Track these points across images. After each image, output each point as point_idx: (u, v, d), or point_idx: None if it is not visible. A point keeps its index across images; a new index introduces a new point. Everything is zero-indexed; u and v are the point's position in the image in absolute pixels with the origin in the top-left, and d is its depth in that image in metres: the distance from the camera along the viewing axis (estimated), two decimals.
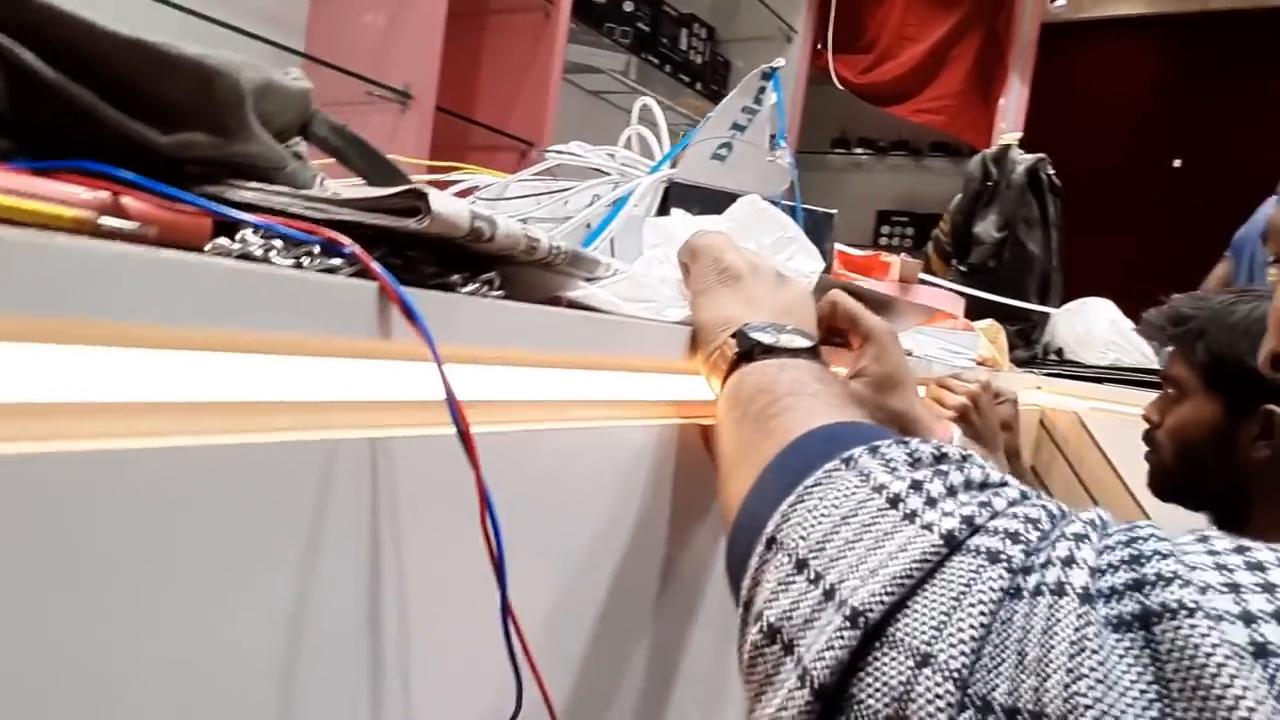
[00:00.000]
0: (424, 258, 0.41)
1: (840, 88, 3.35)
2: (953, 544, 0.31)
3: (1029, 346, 1.90)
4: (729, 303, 0.53)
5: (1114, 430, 1.69)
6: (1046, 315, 1.91)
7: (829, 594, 0.31)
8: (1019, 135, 1.93)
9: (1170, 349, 1.06)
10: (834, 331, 0.66)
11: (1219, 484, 0.97)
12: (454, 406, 0.34)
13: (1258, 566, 0.26)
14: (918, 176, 3.66)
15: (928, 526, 0.31)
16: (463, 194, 0.84)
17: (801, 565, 0.33)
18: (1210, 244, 2.46)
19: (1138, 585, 0.27)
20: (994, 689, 0.27)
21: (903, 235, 3.59)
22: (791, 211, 0.86)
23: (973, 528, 0.31)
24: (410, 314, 0.34)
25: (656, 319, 0.56)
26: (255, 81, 0.39)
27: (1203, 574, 0.26)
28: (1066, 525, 0.31)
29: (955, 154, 3.49)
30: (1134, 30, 3.23)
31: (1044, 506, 0.33)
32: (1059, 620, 0.27)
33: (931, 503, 0.32)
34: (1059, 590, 0.28)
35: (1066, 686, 0.25)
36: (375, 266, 0.34)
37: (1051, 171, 1.91)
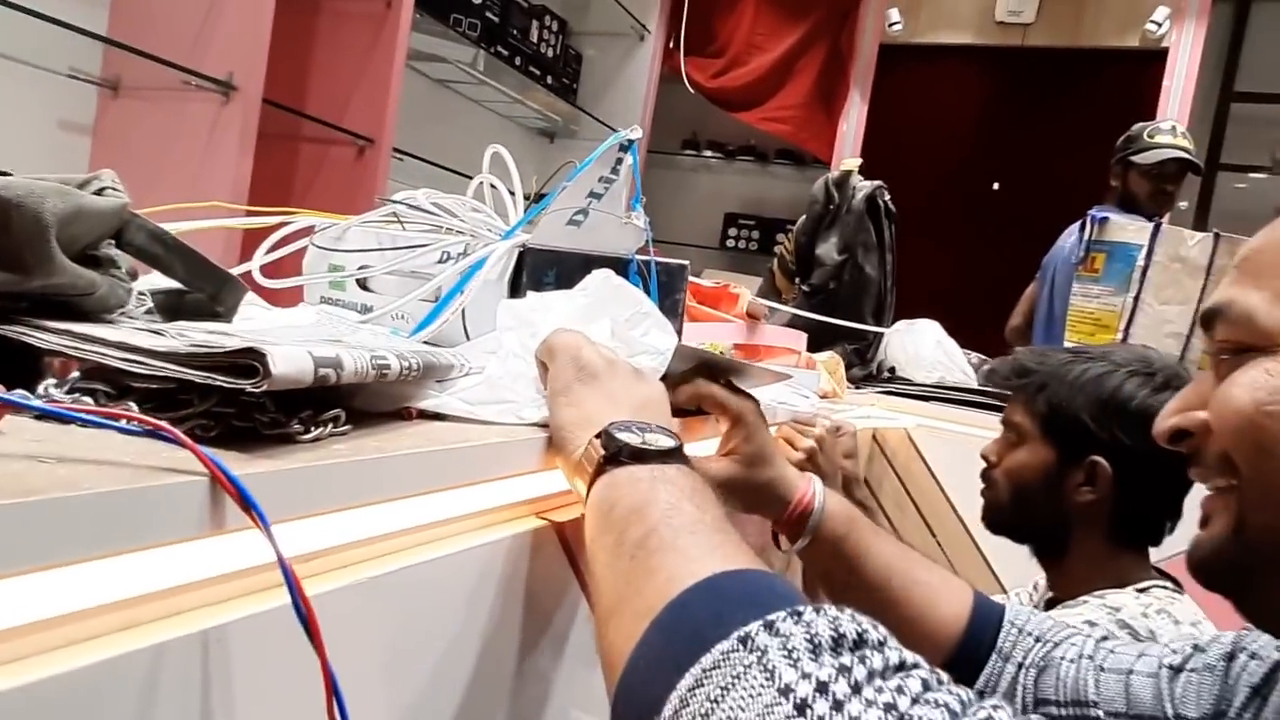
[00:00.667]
0: (260, 403, 0.38)
1: (691, 90, 3.40)
2: None
3: (865, 365, 2.00)
4: (588, 400, 0.52)
5: (938, 446, 1.80)
6: (880, 335, 2.01)
7: None
8: (859, 161, 2.02)
9: (1011, 396, 1.14)
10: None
11: (1045, 521, 1.07)
12: (299, 601, 0.32)
13: None
14: (764, 181, 3.77)
15: None
16: (293, 236, 0.79)
17: None
18: (1024, 263, 2.66)
19: None
20: None
21: (749, 239, 3.69)
22: (648, 266, 0.86)
23: None
24: (247, 504, 0.31)
25: (512, 422, 0.55)
26: (60, 211, 0.35)
27: None
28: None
29: (800, 162, 3.61)
30: (961, 58, 3.45)
31: (944, 705, 0.33)
32: None
33: (838, 707, 0.32)
34: None
35: None
36: (206, 455, 0.30)
37: (888, 198, 2.01)
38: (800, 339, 1.34)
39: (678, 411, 0.63)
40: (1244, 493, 0.44)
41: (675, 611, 0.38)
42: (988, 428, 1.73)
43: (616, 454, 0.47)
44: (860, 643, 0.35)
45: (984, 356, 2.17)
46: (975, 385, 1.98)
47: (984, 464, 1.18)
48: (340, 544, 0.39)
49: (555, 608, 0.57)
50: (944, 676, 0.35)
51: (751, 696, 0.33)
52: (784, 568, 0.97)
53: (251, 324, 0.57)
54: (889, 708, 0.32)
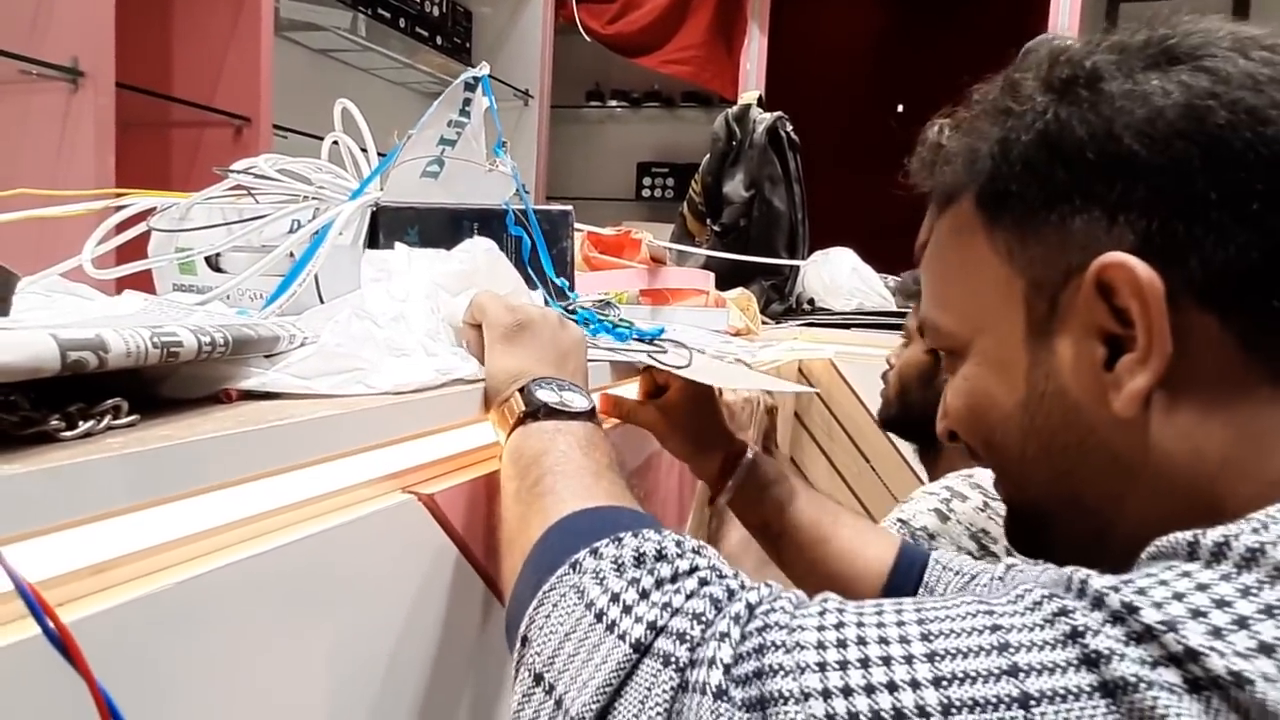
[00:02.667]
0: (9, 400, 0.33)
1: (588, 39, 3.30)
2: (640, 649, 0.37)
3: (784, 299, 1.99)
4: (518, 352, 0.57)
5: (861, 370, 1.81)
6: (797, 268, 2.00)
7: (559, 704, 0.38)
8: (758, 93, 1.98)
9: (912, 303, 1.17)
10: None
11: (920, 415, 1.08)
12: (48, 626, 0.27)
13: (842, 645, 0.33)
14: (674, 127, 3.70)
15: (622, 636, 0.37)
16: (132, 221, 0.72)
17: (539, 679, 0.39)
18: None
19: (759, 674, 0.34)
20: None
21: (664, 187, 3.62)
22: (524, 214, 0.81)
23: (655, 631, 0.37)
24: None
25: (359, 392, 0.50)
26: None
27: (804, 655, 0.33)
28: (720, 620, 0.37)
29: (707, 104, 3.55)
30: None
31: (710, 595, 0.38)
32: (702, 716, 0.34)
33: (626, 610, 0.38)
34: (702, 690, 0.34)
35: None
36: None
37: (790, 128, 1.98)
38: (708, 279, 1.30)
39: None
40: (996, 475, 0.48)
41: (540, 546, 0.44)
42: None
43: (534, 411, 0.52)
44: (659, 557, 0.41)
45: (901, 279, 2.18)
46: (894, 308, 1.98)
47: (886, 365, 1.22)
48: (123, 554, 0.34)
49: (432, 586, 0.53)
50: (726, 574, 0.40)
51: (566, 612, 0.40)
52: (716, 528, 0.97)
53: (53, 315, 0.51)
54: (665, 606, 0.38)
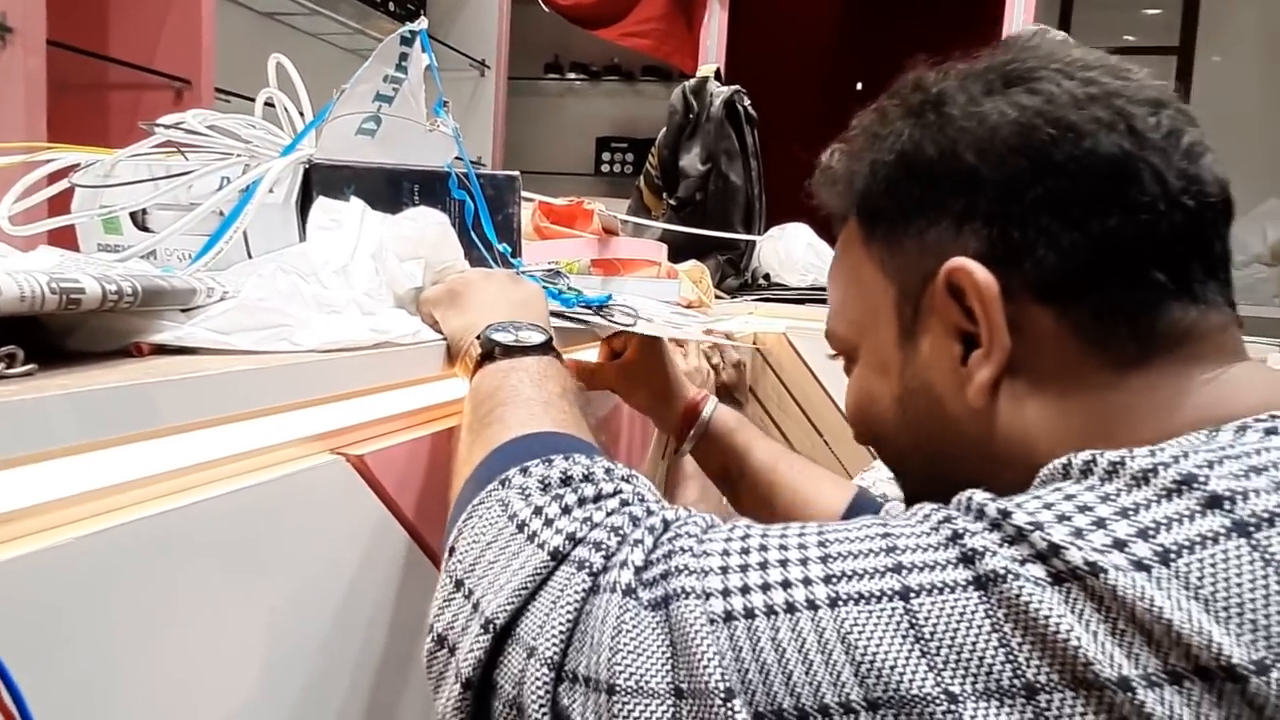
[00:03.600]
0: None
1: (546, 9, 3.25)
2: (558, 557, 0.39)
3: (739, 274, 1.98)
4: (470, 308, 0.59)
5: (815, 345, 1.81)
6: (752, 243, 1.99)
7: (475, 607, 0.39)
8: (716, 67, 1.96)
9: None
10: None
11: None
12: None
13: (746, 552, 0.36)
14: (634, 101, 3.66)
15: (541, 545, 0.40)
16: (55, 177, 0.69)
17: (459, 584, 0.41)
18: None
19: (665, 576, 0.36)
20: (578, 665, 0.36)
21: (623, 162, 3.59)
22: (467, 177, 0.79)
23: (574, 541, 0.39)
24: None
25: (283, 349, 0.48)
26: None
27: (708, 560, 0.36)
28: (633, 530, 0.39)
29: (667, 78, 3.52)
30: None
31: (630, 513, 0.40)
32: (610, 611, 0.36)
33: (548, 523, 0.40)
34: (613, 589, 0.37)
35: (609, 658, 0.35)
36: None
37: (748, 103, 1.96)
38: (660, 250, 1.29)
39: None
40: (887, 466, 0.52)
41: (479, 469, 0.46)
42: None
43: (490, 352, 0.54)
44: (586, 479, 0.43)
45: None
46: None
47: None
48: (11, 509, 0.32)
49: (358, 548, 0.52)
50: (649, 499, 0.42)
51: (490, 523, 0.42)
52: (673, 484, 0.98)
53: None
54: (586, 520, 0.40)
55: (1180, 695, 0.27)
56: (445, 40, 3.04)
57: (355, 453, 0.52)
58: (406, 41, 0.64)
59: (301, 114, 0.74)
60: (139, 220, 0.72)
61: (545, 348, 0.55)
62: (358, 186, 0.69)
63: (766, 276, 2.04)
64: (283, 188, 0.65)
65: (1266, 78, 3.54)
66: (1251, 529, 0.30)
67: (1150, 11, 3.84)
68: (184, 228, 0.61)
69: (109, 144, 0.75)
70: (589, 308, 0.85)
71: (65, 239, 0.72)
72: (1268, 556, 0.29)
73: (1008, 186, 0.41)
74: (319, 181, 0.66)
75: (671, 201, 1.95)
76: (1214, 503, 0.30)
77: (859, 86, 2.95)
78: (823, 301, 2.01)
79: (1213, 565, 0.29)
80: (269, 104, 0.78)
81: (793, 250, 2.02)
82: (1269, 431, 0.34)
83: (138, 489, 0.38)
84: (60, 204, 0.73)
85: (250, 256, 0.63)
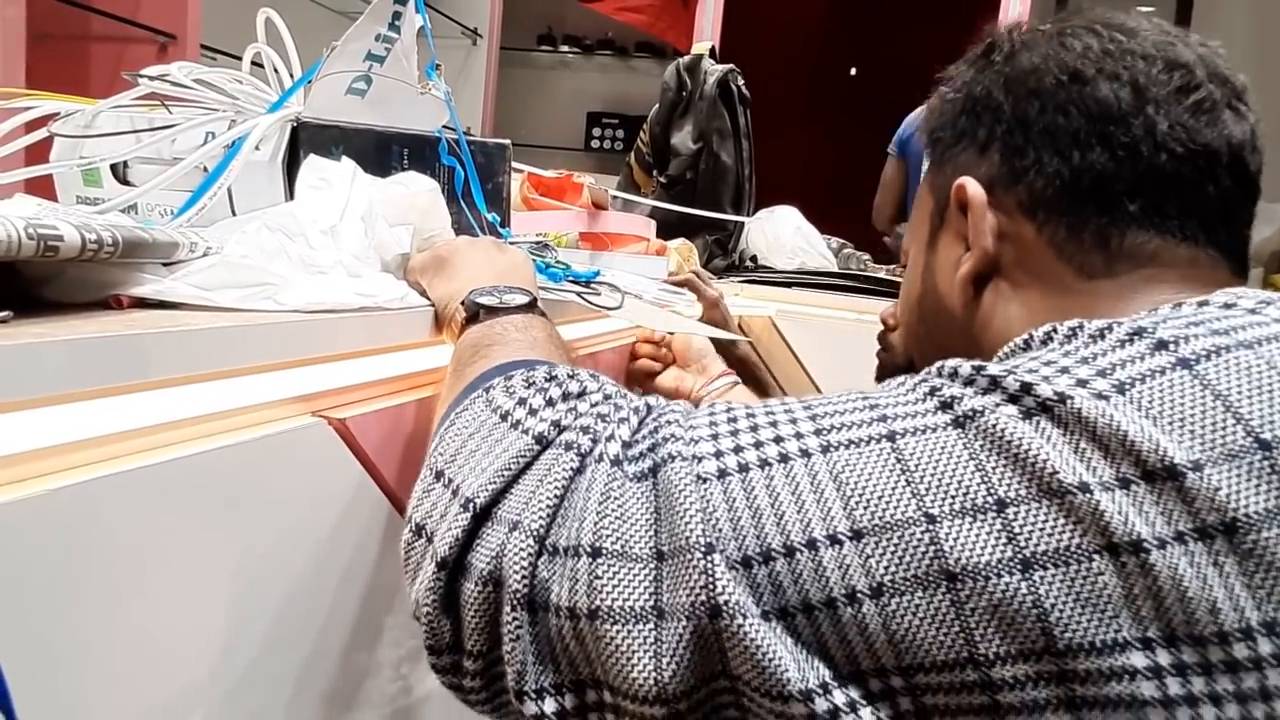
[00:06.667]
0: None
1: None
2: (543, 442, 0.40)
3: (727, 255, 1.97)
4: (455, 276, 0.59)
5: (801, 330, 1.82)
6: (741, 224, 1.98)
7: (455, 492, 0.40)
8: (710, 44, 1.95)
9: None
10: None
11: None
12: None
13: (734, 420, 0.38)
14: (627, 77, 3.63)
15: (525, 431, 0.41)
16: (33, 126, 0.67)
17: (439, 475, 0.42)
18: (881, 148, 2.67)
19: (653, 448, 0.38)
20: (560, 538, 0.37)
21: (614, 138, 3.57)
22: (457, 144, 0.78)
23: (560, 428, 0.41)
24: None
25: (266, 308, 0.47)
26: None
27: (695, 431, 0.38)
28: (618, 413, 0.40)
29: (661, 55, 3.49)
30: None
31: (614, 403, 0.42)
32: (596, 480, 0.37)
33: (533, 413, 0.42)
34: (600, 459, 0.38)
35: (595, 524, 0.36)
36: None
37: (741, 82, 1.95)
38: (649, 226, 1.28)
39: None
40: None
41: (462, 392, 0.47)
42: (848, 310, 1.74)
43: (475, 314, 0.55)
44: (571, 378, 0.44)
45: (843, 241, 2.19)
46: (835, 269, 1.99)
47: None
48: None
49: (338, 511, 0.51)
50: (633, 398, 0.43)
51: (473, 417, 0.43)
52: None
53: None
54: (570, 410, 0.41)
55: (1128, 497, 0.31)
56: (437, 6, 3.00)
57: (337, 416, 0.51)
58: (400, 1, 0.63)
59: (291, 73, 0.72)
60: (119, 173, 0.71)
61: (529, 308, 0.56)
62: (346, 147, 0.68)
63: (754, 258, 2.03)
64: (269, 145, 0.63)
65: (1258, 76, 3.55)
66: (1192, 363, 0.34)
67: (1144, 10, 3.84)
68: (166, 182, 0.60)
69: (90, 97, 0.73)
70: (576, 283, 0.84)
71: (42, 189, 0.70)
72: (1205, 382, 0.34)
73: (1020, 121, 0.47)
74: (307, 140, 0.64)
75: (661, 179, 1.94)
76: (1161, 345, 0.35)
77: (852, 72, 2.94)
78: (810, 286, 2.01)
79: (1161, 391, 0.33)
80: (256, 62, 0.77)
81: (781, 233, 2.01)
82: (1226, 305, 0.38)
83: (113, 443, 0.37)
84: (38, 155, 0.71)
85: (234, 214, 0.62)
